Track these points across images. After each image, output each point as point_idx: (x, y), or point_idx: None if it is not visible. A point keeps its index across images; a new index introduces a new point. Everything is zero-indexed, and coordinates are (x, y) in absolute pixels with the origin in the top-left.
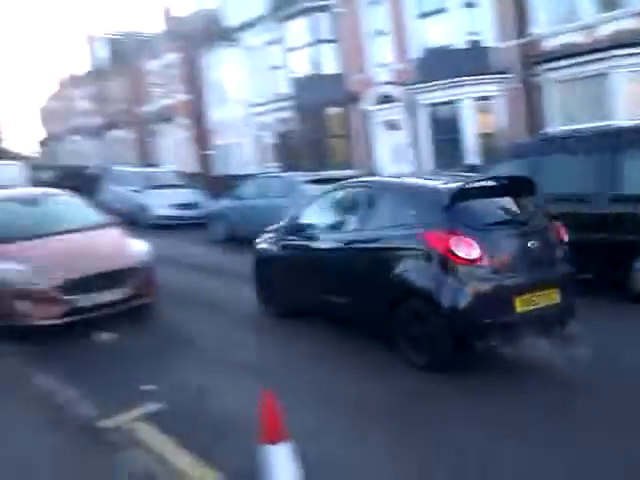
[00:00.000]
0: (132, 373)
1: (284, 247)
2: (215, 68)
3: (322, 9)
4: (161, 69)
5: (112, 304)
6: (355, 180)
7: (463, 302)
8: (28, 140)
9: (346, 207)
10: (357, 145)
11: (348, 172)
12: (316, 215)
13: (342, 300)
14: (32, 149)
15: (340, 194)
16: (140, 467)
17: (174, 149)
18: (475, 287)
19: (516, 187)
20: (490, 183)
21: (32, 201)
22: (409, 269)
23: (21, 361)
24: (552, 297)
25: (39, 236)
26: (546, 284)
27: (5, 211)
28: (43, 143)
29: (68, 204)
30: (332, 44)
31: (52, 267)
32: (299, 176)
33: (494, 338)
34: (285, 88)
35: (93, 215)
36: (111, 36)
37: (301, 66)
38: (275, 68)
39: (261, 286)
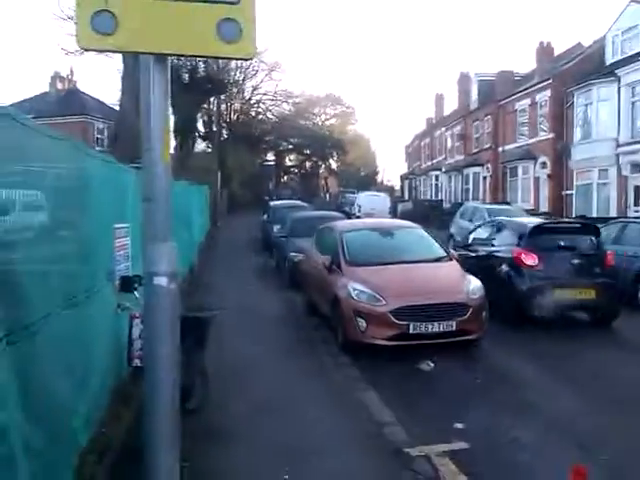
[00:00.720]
0: (447, 407)
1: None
2: (585, 106)
3: None
4: (529, 108)
5: (440, 335)
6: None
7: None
8: (393, 174)
9: (490, 232)
10: None
11: None
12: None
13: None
14: (395, 183)
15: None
16: None
17: (531, 188)
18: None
19: (580, 229)
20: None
21: (388, 232)
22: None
23: (350, 375)
24: (589, 294)
25: (386, 263)
26: (583, 286)
27: (367, 238)
28: (404, 177)
29: (416, 236)
30: None
31: (392, 292)
32: None
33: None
34: None
35: (436, 248)
36: (482, 76)
37: None
38: None
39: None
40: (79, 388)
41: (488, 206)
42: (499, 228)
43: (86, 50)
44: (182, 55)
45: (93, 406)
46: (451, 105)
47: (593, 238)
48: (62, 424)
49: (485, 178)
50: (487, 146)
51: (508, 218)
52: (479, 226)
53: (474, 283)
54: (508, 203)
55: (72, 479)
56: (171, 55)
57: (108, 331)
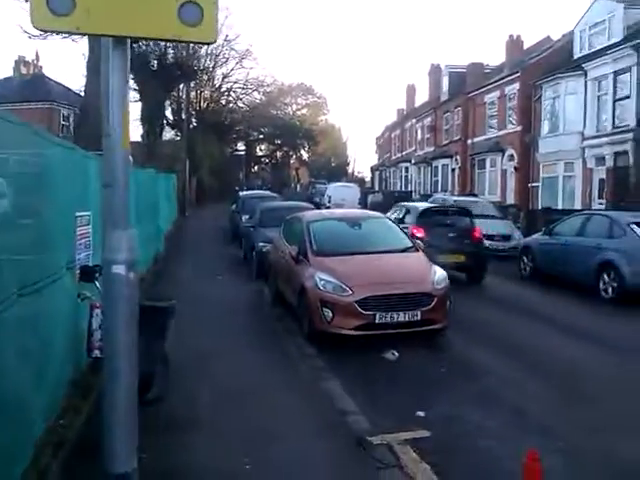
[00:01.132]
0: (409, 395)
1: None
2: (552, 99)
3: None
4: (499, 100)
5: (405, 325)
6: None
7: None
8: (364, 166)
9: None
10: None
11: None
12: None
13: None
14: (365, 174)
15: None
16: None
17: (498, 180)
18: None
19: (458, 212)
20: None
21: (356, 222)
22: None
23: (315, 365)
24: (460, 259)
25: (353, 253)
26: (456, 252)
27: (334, 229)
28: (375, 169)
29: (383, 226)
30: None
31: (358, 282)
32: (628, 216)
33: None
34: (630, 120)
35: (403, 239)
36: (453, 68)
37: None
38: (621, 99)
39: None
40: (35, 378)
41: (455, 198)
42: (407, 210)
43: (41, 31)
44: (142, 38)
45: (50, 397)
46: (422, 96)
47: (467, 219)
48: (16, 414)
49: (454, 170)
50: (457, 138)
51: (411, 203)
52: (399, 210)
53: (439, 273)
54: (475, 195)
55: (26, 472)
56: (130, 38)
57: (67, 321)
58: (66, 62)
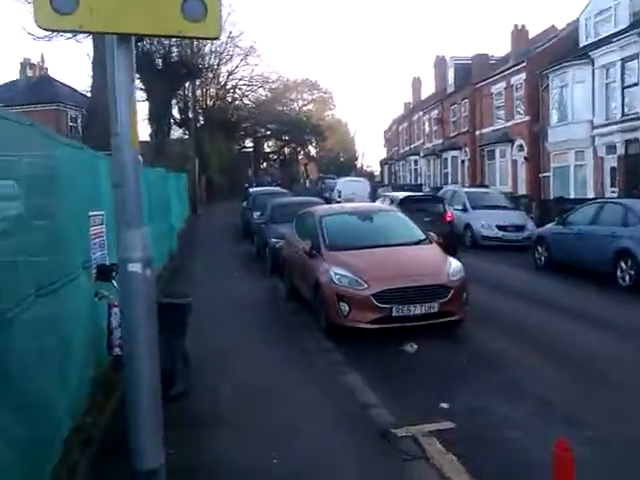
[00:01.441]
0: (431, 388)
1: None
2: (560, 88)
3: None
4: (505, 91)
5: (422, 318)
6: None
7: None
8: (372, 160)
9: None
10: None
11: None
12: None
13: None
14: (374, 168)
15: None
16: None
17: (509, 171)
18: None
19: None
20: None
21: (367, 216)
22: None
23: (334, 358)
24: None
25: (367, 247)
26: (431, 232)
27: (346, 223)
28: (384, 162)
29: (396, 219)
30: None
31: (373, 276)
32: None
33: None
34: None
35: (416, 232)
36: (458, 59)
37: None
38: (629, 86)
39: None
40: (59, 377)
41: (467, 189)
42: (391, 200)
43: (45, 30)
44: (146, 35)
45: (74, 396)
46: (428, 89)
47: (440, 205)
48: (43, 414)
49: (463, 162)
50: (465, 130)
51: (393, 193)
52: (383, 200)
53: (454, 265)
54: (486, 186)
55: (55, 469)
56: (135, 35)
57: (86, 320)
58: (71, 63)
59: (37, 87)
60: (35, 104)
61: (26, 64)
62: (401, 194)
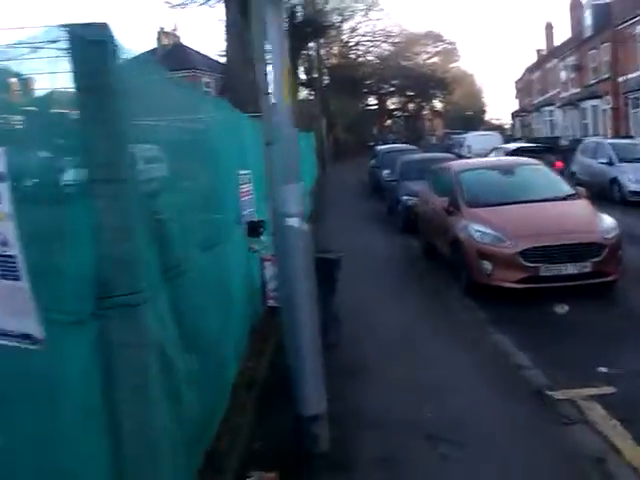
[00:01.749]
0: (586, 351)
1: None
2: None
3: None
4: None
5: (573, 277)
6: None
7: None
8: (502, 112)
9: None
10: None
11: None
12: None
13: None
14: (504, 121)
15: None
16: (589, 448)
17: None
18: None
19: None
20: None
21: (508, 170)
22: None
23: (478, 317)
24: None
25: (509, 203)
26: None
27: (485, 178)
28: (515, 115)
29: (540, 174)
30: None
31: (519, 233)
32: None
33: None
34: None
35: (563, 186)
36: (595, 1)
37: None
38: None
39: None
40: (226, 324)
41: (611, 140)
42: (504, 152)
43: None
44: None
45: (237, 342)
46: (562, 35)
47: (552, 155)
48: (215, 357)
49: (605, 111)
50: (606, 76)
51: (505, 145)
52: (497, 152)
53: (608, 222)
54: (632, 137)
55: (229, 410)
56: None
57: (242, 272)
58: (200, 30)
59: (173, 54)
60: (172, 71)
61: (162, 33)
62: (513, 145)
